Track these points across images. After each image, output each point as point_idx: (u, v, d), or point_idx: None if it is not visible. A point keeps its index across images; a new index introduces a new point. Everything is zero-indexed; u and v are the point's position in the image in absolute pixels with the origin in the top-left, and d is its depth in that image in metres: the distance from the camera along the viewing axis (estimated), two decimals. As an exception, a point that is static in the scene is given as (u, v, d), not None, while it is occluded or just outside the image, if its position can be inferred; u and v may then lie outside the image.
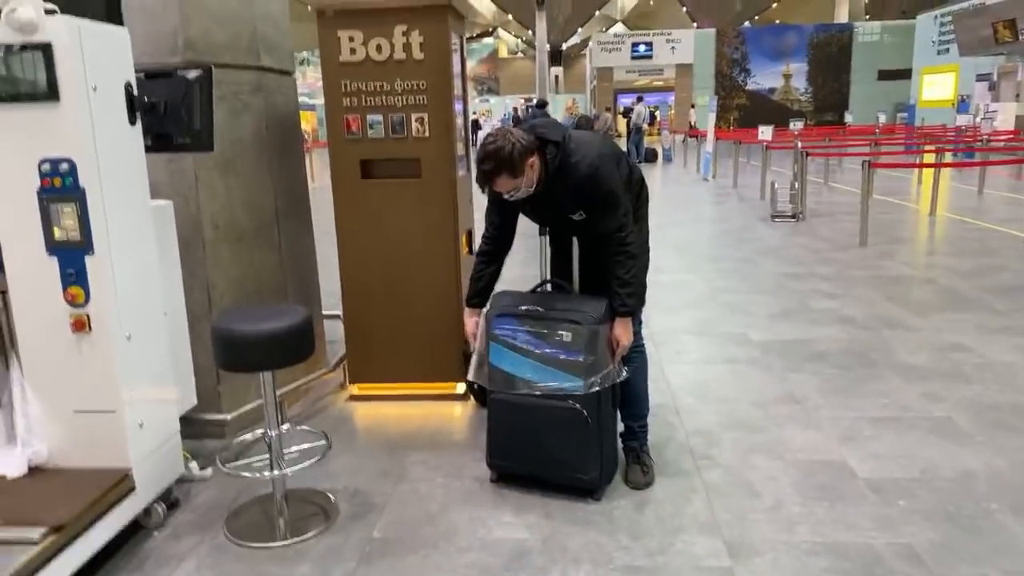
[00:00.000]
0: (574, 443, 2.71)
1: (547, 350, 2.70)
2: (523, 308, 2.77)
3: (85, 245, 2.35)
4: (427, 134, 3.52)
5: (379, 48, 3.45)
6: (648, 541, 2.51)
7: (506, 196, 2.67)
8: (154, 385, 2.65)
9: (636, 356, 2.91)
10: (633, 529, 2.59)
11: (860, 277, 6.20)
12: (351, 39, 3.45)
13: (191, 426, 3.14)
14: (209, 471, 3.03)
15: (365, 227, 3.64)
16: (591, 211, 2.68)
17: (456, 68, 3.65)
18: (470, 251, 3.99)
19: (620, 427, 3.00)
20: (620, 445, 3.01)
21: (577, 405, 2.67)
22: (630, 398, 2.96)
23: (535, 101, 21.83)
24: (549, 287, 3.00)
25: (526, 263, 7.19)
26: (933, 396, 3.65)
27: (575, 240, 2.97)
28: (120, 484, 2.45)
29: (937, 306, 5.24)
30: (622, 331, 2.73)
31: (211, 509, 2.83)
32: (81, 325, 2.39)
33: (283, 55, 3.74)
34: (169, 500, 2.78)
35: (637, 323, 2.87)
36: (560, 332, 2.68)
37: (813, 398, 3.67)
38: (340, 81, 3.50)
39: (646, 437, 3.02)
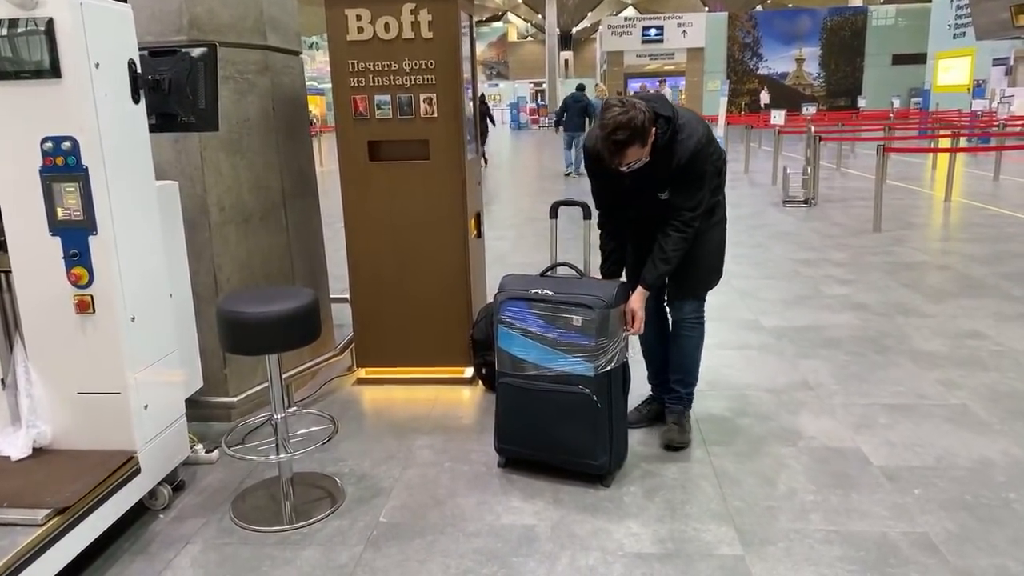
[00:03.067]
0: (583, 428, 2.67)
1: (557, 334, 2.66)
2: (533, 291, 2.72)
3: (88, 225, 2.31)
4: (436, 115, 3.46)
5: (387, 27, 3.39)
6: (658, 528, 2.48)
7: (624, 168, 2.64)
8: (159, 367, 2.62)
9: (696, 326, 3.00)
10: (643, 516, 2.55)
11: (874, 263, 6.12)
12: (358, 17, 3.39)
13: (197, 408, 3.12)
14: (215, 454, 3.01)
15: (373, 209, 3.59)
16: (676, 189, 2.70)
17: (465, 50, 3.58)
18: (478, 234, 3.94)
19: (668, 392, 3.12)
20: (665, 409, 3.13)
21: (587, 390, 2.63)
22: (682, 366, 3.07)
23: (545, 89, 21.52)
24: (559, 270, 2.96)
25: (536, 248, 7.15)
26: (949, 383, 3.59)
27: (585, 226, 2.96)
28: (125, 466, 2.43)
29: (952, 292, 5.17)
30: (638, 304, 2.74)
31: (217, 492, 2.81)
32: (85, 306, 2.36)
33: (290, 35, 3.68)
34: (175, 482, 2.76)
35: (701, 297, 3.00)
36: (571, 316, 2.64)
37: (826, 385, 3.61)
38: (347, 60, 3.44)
39: (690, 404, 3.12)
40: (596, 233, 2.96)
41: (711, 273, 2.99)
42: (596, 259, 3.00)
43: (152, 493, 2.62)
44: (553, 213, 3.03)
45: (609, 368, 2.65)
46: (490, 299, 3.96)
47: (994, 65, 20.93)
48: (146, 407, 2.53)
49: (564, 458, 2.77)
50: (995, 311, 4.70)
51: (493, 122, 20.69)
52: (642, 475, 2.82)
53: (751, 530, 2.45)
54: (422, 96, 3.45)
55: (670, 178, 2.68)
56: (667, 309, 3.04)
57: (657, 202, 2.75)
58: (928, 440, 3.02)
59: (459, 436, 3.21)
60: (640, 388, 3.24)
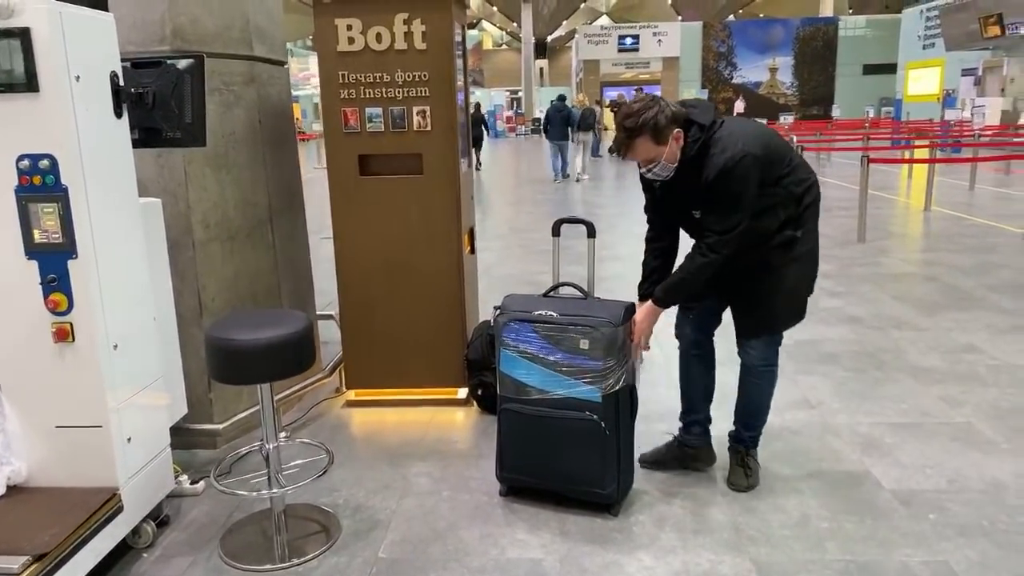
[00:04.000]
0: (591, 456, 2.57)
1: (561, 357, 2.55)
2: (536, 313, 2.62)
3: (68, 248, 2.16)
4: (429, 128, 3.35)
5: (379, 37, 3.27)
6: (671, 560, 2.38)
7: (643, 170, 2.50)
8: (143, 397, 2.47)
9: (765, 373, 2.75)
10: (654, 547, 2.45)
11: (862, 274, 6.11)
12: (349, 28, 3.27)
13: (181, 436, 2.97)
14: (201, 485, 2.86)
15: (363, 226, 3.46)
16: (707, 209, 2.49)
17: (458, 61, 3.48)
18: (472, 250, 3.83)
19: (731, 428, 2.90)
20: (727, 446, 2.90)
21: (595, 416, 2.53)
22: (750, 409, 2.83)
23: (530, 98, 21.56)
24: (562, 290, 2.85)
25: (522, 259, 7.03)
26: (951, 400, 3.54)
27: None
28: (107, 504, 2.27)
29: (943, 305, 5.15)
30: (642, 317, 2.62)
31: (204, 527, 2.66)
32: (64, 334, 2.21)
33: (276, 44, 3.55)
34: (159, 518, 2.61)
35: (773, 340, 2.73)
36: (576, 338, 2.53)
37: (828, 403, 3.55)
38: (337, 72, 3.32)
39: (755, 444, 2.89)
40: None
41: (783, 314, 2.68)
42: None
43: (135, 531, 2.47)
44: (555, 231, 2.93)
45: (616, 389, 2.54)
46: (483, 316, 3.86)
47: (963, 75, 21.27)
48: (129, 440, 2.38)
49: (570, 487, 2.66)
50: (987, 324, 4.68)
51: (487, 129, 20.81)
52: (650, 502, 2.72)
53: (767, 561, 2.36)
54: (415, 108, 3.34)
55: (701, 193, 2.48)
56: (737, 351, 2.77)
57: (693, 221, 2.58)
58: (937, 461, 2.96)
59: (456, 462, 3.08)
60: (648, 408, 3.14)
